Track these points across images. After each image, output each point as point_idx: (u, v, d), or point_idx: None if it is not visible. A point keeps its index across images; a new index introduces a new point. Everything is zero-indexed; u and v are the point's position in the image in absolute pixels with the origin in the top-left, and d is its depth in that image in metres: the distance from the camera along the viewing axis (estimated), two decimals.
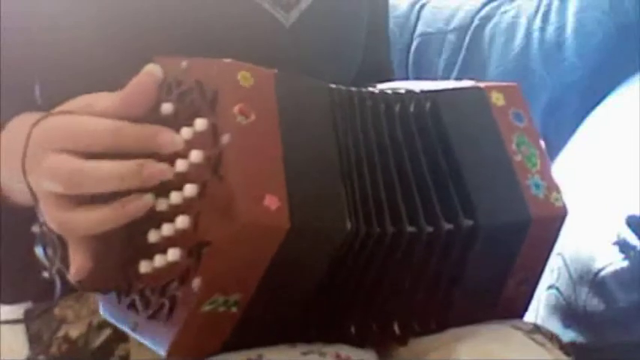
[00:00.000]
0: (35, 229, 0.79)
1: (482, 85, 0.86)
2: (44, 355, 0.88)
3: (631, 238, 1.08)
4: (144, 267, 0.75)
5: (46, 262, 0.79)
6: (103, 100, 0.76)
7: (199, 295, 0.72)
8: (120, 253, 0.76)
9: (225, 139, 0.72)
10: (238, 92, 0.73)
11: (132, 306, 0.77)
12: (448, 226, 0.79)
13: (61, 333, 0.89)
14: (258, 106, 0.74)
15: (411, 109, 0.82)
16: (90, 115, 0.75)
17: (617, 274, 1.08)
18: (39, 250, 0.80)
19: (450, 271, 0.81)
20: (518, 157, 0.82)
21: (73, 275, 0.76)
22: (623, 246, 1.08)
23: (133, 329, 0.78)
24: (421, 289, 0.81)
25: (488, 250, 0.81)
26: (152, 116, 0.76)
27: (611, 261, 1.08)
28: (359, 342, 0.81)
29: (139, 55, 0.80)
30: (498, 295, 0.84)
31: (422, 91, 0.83)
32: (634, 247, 1.07)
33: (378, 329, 0.82)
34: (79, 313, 0.88)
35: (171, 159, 0.74)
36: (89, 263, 0.75)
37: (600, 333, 1.09)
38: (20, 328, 0.90)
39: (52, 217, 0.75)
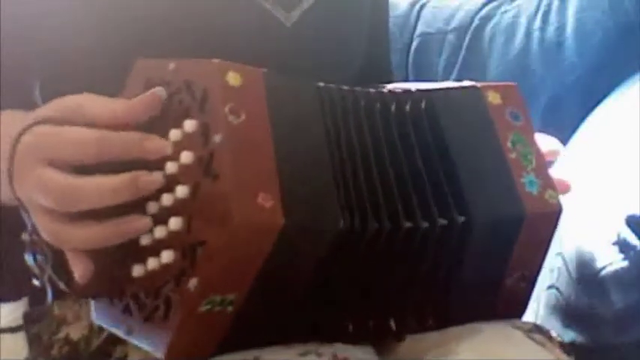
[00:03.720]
0: (24, 237, 0.79)
1: (479, 84, 0.86)
2: (44, 357, 0.88)
3: (631, 238, 1.08)
4: (136, 271, 0.75)
5: (36, 270, 0.80)
6: (98, 105, 0.76)
7: (196, 295, 0.72)
8: (111, 257, 0.76)
9: (217, 138, 0.72)
10: (228, 92, 0.73)
11: (126, 310, 0.77)
12: (442, 222, 0.80)
13: (61, 334, 0.89)
14: (248, 105, 0.74)
15: (407, 107, 0.82)
16: (76, 124, 0.75)
17: (617, 274, 1.08)
18: (29, 258, 0.80)
19: (446, 267, 0.82)
20: (513, 155, 0.83)
21: (79, 279, 0.76)
22: (623, 246, 1.08)
23: (128, 333, 0.78)
24: (417, 284, 0.82)
25: (483, 246, 0.82)
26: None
27: (611, 261, 1.08)
28: (356, 339, 0.81)
29: (139, 54, 0.80)
30: (497, 293, 0.85)
31: (418, 90, 0.84)
32: (634, 247, 1.07)
33: (374, 325, 0.82)
34: (78, 314, 0.88)
35: (160, 161, 0.74)
36: (91, 265, 0.76)
37: (600, 333, 1.09)
38: (18, 329, 0.90)
39: (44, 228, 0.76)
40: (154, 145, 0.74)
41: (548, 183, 0.84)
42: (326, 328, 0.80)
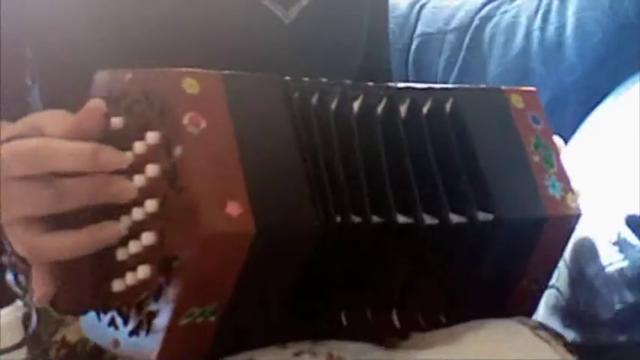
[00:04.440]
0: (4, 259, 0.78)
1: (502, 87, 0.87)
2: (43, 358, 0.88)
3: (631, 238, 1.08)
4: (117, 285, 0.75)
5: (18, 291, 0.79)
6: (53, 123, 0.75)
7: (175, 309, 0.71)
8: (90, 273, 0.76)
9: (178, 151, 0.71)
10: (186, 101, 0.72)
11: (112, 323, 0.76)
12: (459, 219, 0.80)
13: (58, 336, 0.89)
14: (208, 112, 0.72)
15: (428, 104, 0.82)
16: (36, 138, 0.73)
17: (617, 274, 1.07)
18: (9, 278, 0.79)
19: (464, 265, 0.82)
20: (536, 158, 0.84)
21: (37, 301, 0.76)
22: (623, 246, 1.08)
23: (115, 347, 0.77)
24: (424, 280, 0.82)
25: (505, 246, 0.82)
26: (103, 132, 0.74)
27: (611, 261, 1.08)
28: (352, 332, 0.81)
29: (137, 53, 0.80)
30: (509, 294, 0.85)
31: (442, 89, 0.84)
32: (634, 247, 1.07)
33: (373, 318, 0.81)
34: None
35: (129, 174, 0.73)
36: (51, 288, 0.75)
37: (600, 333, 1.09)
38: (18, 330, 0.89)
39: (20, 242, 0.75)
40: (107, 157, 0.72)
41: (569, 186, 0.84)
42: (320, 324, 0.79)
